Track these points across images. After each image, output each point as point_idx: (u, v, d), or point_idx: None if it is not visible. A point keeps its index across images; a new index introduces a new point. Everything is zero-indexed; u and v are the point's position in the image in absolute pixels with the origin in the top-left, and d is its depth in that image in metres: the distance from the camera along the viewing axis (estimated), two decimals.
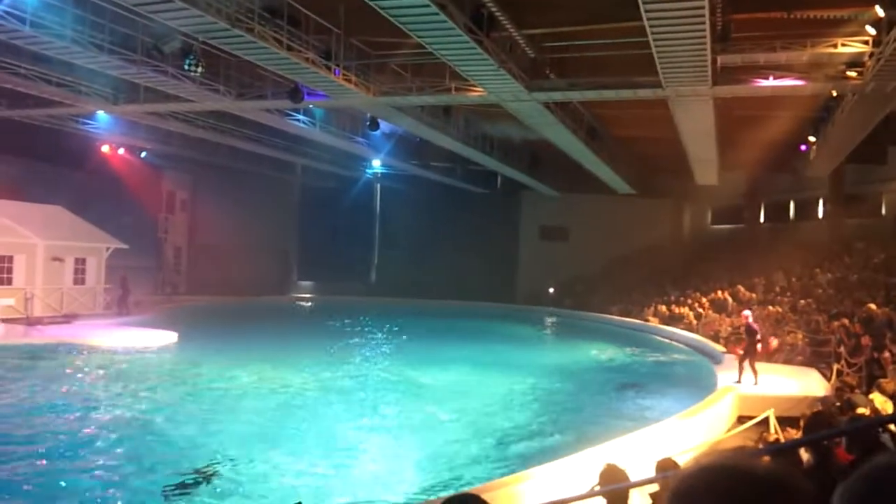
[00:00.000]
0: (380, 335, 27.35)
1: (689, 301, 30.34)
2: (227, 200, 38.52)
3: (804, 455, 6.25)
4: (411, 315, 32.61)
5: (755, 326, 16.71)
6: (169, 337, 22.45)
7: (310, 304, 42.02)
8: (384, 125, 27.88)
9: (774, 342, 18.93)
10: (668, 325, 28.93)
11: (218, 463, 10.24)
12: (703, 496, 1.18)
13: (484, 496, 7.23)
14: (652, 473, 5.82)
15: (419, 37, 15.75)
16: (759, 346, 16.34)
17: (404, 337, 26.32)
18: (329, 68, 18.58)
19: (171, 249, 40.22)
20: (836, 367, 15.72)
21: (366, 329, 29.06)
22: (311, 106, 24.02)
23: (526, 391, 16.79)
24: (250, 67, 20.48)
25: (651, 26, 13.90)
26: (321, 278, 44.65)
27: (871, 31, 15.12)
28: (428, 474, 10.12)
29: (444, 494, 8.33)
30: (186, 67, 18.57)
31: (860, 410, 8.16)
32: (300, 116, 26.17)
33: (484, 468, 10.49)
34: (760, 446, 9.90)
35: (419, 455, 11.02)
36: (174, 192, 40.27)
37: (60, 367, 17.82)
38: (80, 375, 17.10)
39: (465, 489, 8.32)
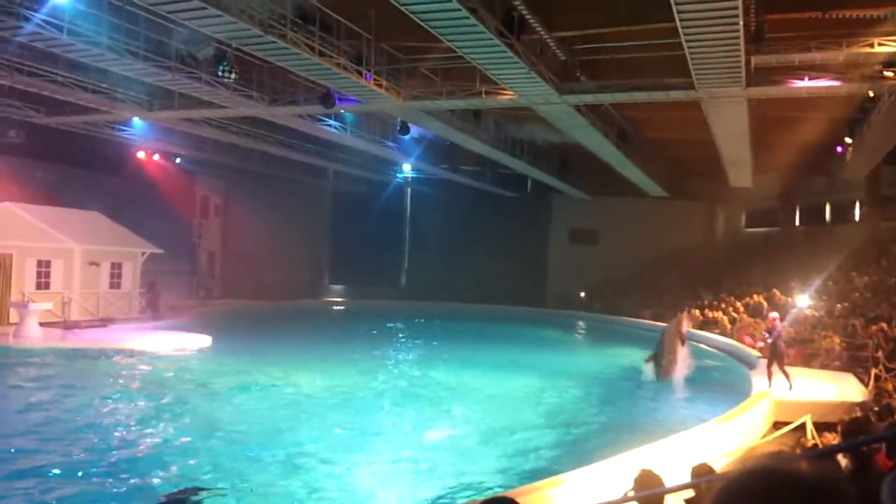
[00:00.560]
0: (415, 339, 27.44)
1: (723, 305, 29.96)
2: (259, 205, 38.94)
3: (842, 461, 6.15)
4: (443, 318, 32.67)
5: (779, 330, 16.43)
6: (203, 340, 22.71)
7: (342, 307, 42.23)
8: (414, 129, 27.99)
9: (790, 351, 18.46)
10: (702, 329, 28.58)
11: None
12: (746, 498, 1.18)
13: (519, 500, 7.22)
14: (687, 479, 5.77)
15: (450, 41, 15.80)
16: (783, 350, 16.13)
17: (436, 343, 26.30)
18: (360, 73, 18.71)
19: (205, 254, 40.73)
20: (873, 371, 15.47)
21: (399, 333, 29.20)
22: (342, 111, 24.22)
23: (558, 395, 16.69)
24: (283, 73, 20.71)
25: (684, 27, 13.81)
26: (353, 282, 44.92)
27: None
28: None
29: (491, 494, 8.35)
30: (220, 74, 18.81)
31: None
32: (332, 121, 26.38)
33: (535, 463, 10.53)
34: (798, 452, 9.77)
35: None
36: (208, 197, 40.81)
37: (98, 370, 18.12)
38: (119, 379, 17.35)
39: (502, 492, 8.33)
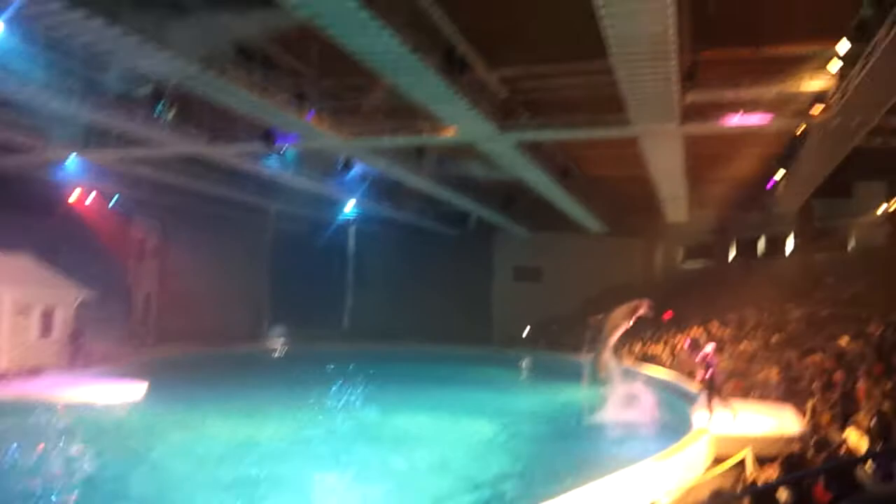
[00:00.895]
0: (357, 383, 26.92)
1: (664, 340, 30.39)
2: (198, 246, 38.05)
3: (782, 494, 6.17)
4: (387, 359, 32.28)
5: (710, 360, 16.66)
6: (137, 390, 21.74)
7: (282, 351, 41.42)
8: (358, 166, 27.91)
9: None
10: (642, 364, 28.89)
11: None
12: None
13: None
14: None
15: (393, 79, 15.88)
16: (723, 382, 16.37)
17: (379, 384, 25.93)
18: (302, 111, 18.61)
19: (140, 298, 39.52)
20: (810, 403, 15.73)
21: (340, 376, 28.61)
22: (284, 149, 24.00)
23: (497, 436, 16.57)
24: (223, 111, 20.45)
25: (619, 66, 14.15)
26: (294, 324, 43.92)
27: (835, 67, 15.49)
28: None
29: None
30: (158, 112, 18.47)
31: (836, 448, 8.14)
32: (273, 159, 26.09)
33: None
34: (739, 487, 9.81)
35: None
36: (144, 239, 39.73)
37: (26, 423, 17.18)
38: (45, 431, 16.48)
39: None
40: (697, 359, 17.33)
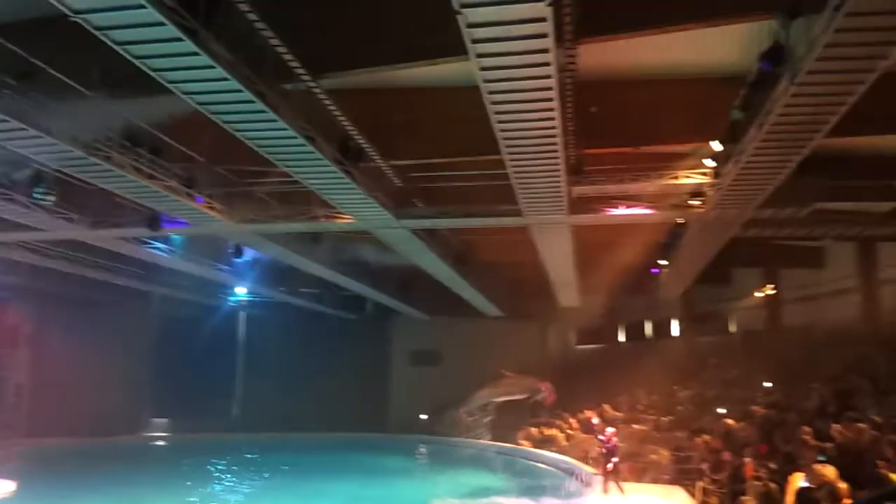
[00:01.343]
0: (243, 476, 25.66)
1: (559, 422, 30.61)
2: (75, 332, 36.06)
3: None
4: (278, 450, 31.02)
5: (607, 436, 16.98)
6: (5, 487, 20.05)
7: (166, 442, 39.20)
8: (249, 251, 27.36)
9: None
10: (539, 447, 28.92)
11: None
12: None
13: None
14: None
15: (287, 167, 15.78)
16: (617, 464, 16.61)
17: (267, 476, 24.82)
18: (191, 196, 18.17)
19: (10, 388, 36.78)
20: (700, 484, 16.07)
21: (227, 469, 27.22)
22: (170, 234, 23.30)
23: None
24: (106, 195, 19.71)
25: (510, 160, 14.61)
26: (179, 414, 41.71)
27: (711, 163, 16.52)
28: None
29: None
30: (37, 197, 17.64)
31: None
32: (159, 244, 25.24)
33: None
34: None
35: None
36: (18, 326, 37.31)
37: None
38: None
39: None
40: (601, 442, 17.57)
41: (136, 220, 20.42)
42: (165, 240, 25.22)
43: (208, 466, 27.00)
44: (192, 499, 20.02)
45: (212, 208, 19.10)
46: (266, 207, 20.59)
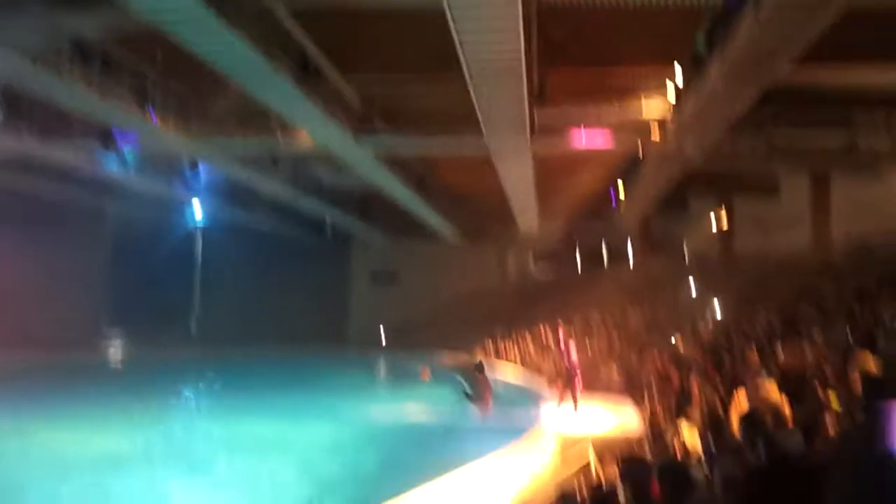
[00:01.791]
0: (200, 391, 25.84)
1: (515, 341, 31.32)
2: (29, 247, 35.39)
3: (621, 490, 6.51)
4: (239, 365, 31.23)
5: (573, 359, 17.41)
6: None
7: (123, 357, 39.21)
8: (206, 169, 26.90)
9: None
10: (495, 364, 29.65)
11: None
12: None
13: None
14: None
15: (242, 82, 15.42)
16: (575, 379, 17.13)
17: (225, 391, 25.00)
18: (145, 111, 17.70)
19: None
20: (648, 401, 16.65)
21: (185, 385, 27.35)
22: (125, 150, 22.74)
23: (350, 439, 16.39)
24: (58, 108, 19.12)
25: (473, 81, 14.44)
26: (136, 329, 41.71)
27: (672, 94, 16.55)
28: None
29: None
30: None
31: (669, 440, 8.63)
32: (113, 159, 24.62)
33: None
34: (581, 484, 10.26)
35: None
36: None
37: None
38: None
39: None
40: (560, 355, 18.02)
41: (89, 134, 19.91)
42: (120, 155, 24.63)
43: (165, 382, 27.08)
44: (144, 413, 20.14)
45: (166, 124, 18.64)
46: (222, 125, 20.18)
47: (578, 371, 17.27)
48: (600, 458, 12.06)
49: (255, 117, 19.57)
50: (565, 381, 17.17)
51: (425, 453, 14.62)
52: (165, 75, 18.04)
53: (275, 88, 15.46)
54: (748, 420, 6.74)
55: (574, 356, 17.56)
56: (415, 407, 21.74)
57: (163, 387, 26.21)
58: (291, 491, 11.98)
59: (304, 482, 12.62)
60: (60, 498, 11.48)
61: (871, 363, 7.53)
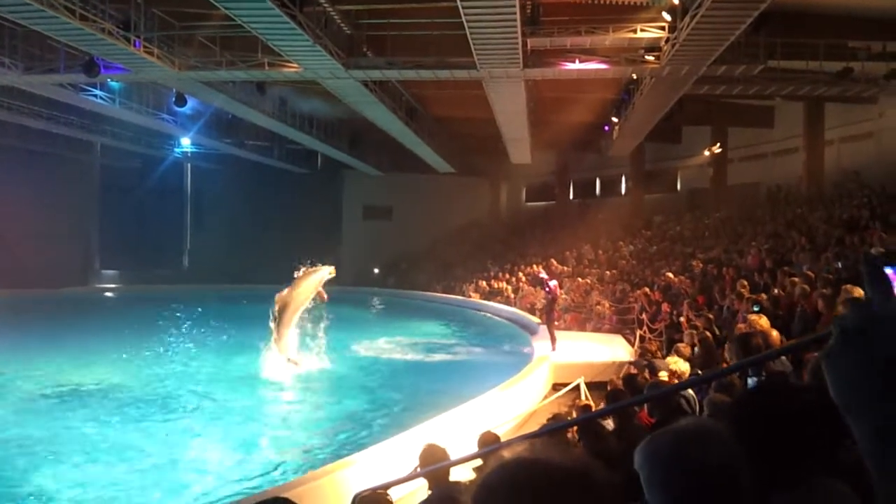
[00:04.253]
0: (198, 326, 25.87)
1: (507, 276, 31.48)
2: (17, 183, 35.04)
3: (609, 420, 6.59)
4: (231, 301, 31.35)
5: (552, 288, 17.54)
6: None
7: (114, 293, 39.28)
8: (193, 101, 26.44)
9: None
10: (488, 300, 29.86)
11: None
12: (503, 492, 1.21)
13: (307, 486, 6.92)
14: (474, 449, 5.86)
15: (228, 9, 14.99)
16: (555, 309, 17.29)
17: (218, 325, 25.09)
18: (128, 40, 17.23)
19: None
20: (639, 332, 16.85)
21: (180, 320, 27.44)
22: (109, 80, 22.27)
23: (347, 375, 16.58)
24: (39, 37, 18.61)
25: (464, 7, 14.08)
26: (127, 266, 41.65)
27: (667, 17, 16.18)
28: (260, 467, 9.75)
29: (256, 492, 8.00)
30: None
31: (661, 374, 8.72)
32: (97, 91, 24.17)
33: (316, 454, 10.26)
34: (573, 413, 10.43)
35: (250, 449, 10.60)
36: None
37: None
38: None
39: (284, 482, 8.09)
40: (543, 292, 18.14)
41: (72, 64, 19.47)
42: (104, 86, 24.17)
43: (156, 318, 27.16)
44: (138, 346, 20.25)
45: (150, 53, 18.19)
46: (208, 53, 19.70)
47: (556, 309, 17.39)
48: (589, 386, 12.29)
49: (240, 45, 19.11)
50: (547, 318, 17.33)
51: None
52: (149, 2, 17.54)
53: (259, 14, 15.03)
54: (739, 343, 6.79)
55: (556, 292, 17.68)
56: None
57: (150, 320, 26.33)
58: None
59: None
60: None
61: (861, 293, 7.55)
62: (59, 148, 35.11)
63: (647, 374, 9.55)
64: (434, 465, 5.02)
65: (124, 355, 18.32)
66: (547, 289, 17.62)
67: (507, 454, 1.28)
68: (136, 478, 9.25)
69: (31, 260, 35.46)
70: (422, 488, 5.45)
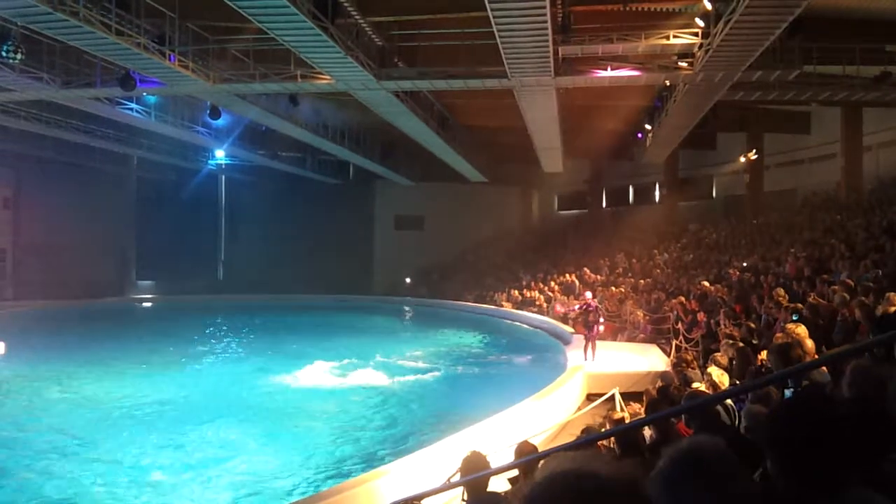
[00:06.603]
0: (232, 337, 26.13)
1: (540, 285, 31.30)
2: (56, 196, 35.83)
3: (647, 432, 6.48)
4: (265, 311, 31.62)
5: (594, 306, 17.41)
6: None
7: (151, 304, 39.84)
8: (227, 114, 26.78)
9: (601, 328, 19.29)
10: (520, 309, 29.71)
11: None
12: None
13: (341, 495, 6.90)
14: (510, 457, 5.81)
15: (261, 23, 15.16)
16: (599, 326, 17.14)
17: (253, 336, 25.33)
18: (163, 54, 17.52)
19: None
20: (674, 342, 16.61)
21: (215, 330, 27.76)
22: (144, 94, 22.65)
23: (383, 386, 16.57)
24: (77, 53, 19.01)
25: (495, 17, 14.07)
26: (163, 277, 42.23)
27: (701, 23, 16.01)
28: (298, 475, 9.78)
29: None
30: (4, 55, 16.97)
31: (696, 385, 8.56)
32: (133, 105, 24.62)
33: (352, 464, 10.28)
34: (607, 424, 10.31)
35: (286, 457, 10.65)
36: None
37: None
38: None
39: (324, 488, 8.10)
40: (578, 303, 18.00)
41: (108, 79, 19.84)
42: (140, 100, 24.60)
43: (193, 328, 27.49)
44: (176, 356, 20.48)
45: (185, 67, 18.47)
46: (242, 66, 19.95)
47: (601, 321, 17.29)
48: (625, 396, 12.12)
49: (273, 57, 19.31)
50: (587, 331, 17.16)
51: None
52: (184, 17, 17.81)
53: (292, 28, 15.17)
54: (777, 353, 6.65)
55: (594, 305, 17.54)
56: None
57: (187, 330, 26.62)
58: None
59: None
60: None
61: None
62: (96, 161, 35.78)
63: (679, 385, 9.42)
64: (475, 473, 4.98)
65: (160, 364, 18.61)
66: (585, 305, 17.54)
67: (552, 465, 1.27)
68: (173, 482, 9.35)
69: (69, 271, 36.18)
70: (455, 498, 5.41)
